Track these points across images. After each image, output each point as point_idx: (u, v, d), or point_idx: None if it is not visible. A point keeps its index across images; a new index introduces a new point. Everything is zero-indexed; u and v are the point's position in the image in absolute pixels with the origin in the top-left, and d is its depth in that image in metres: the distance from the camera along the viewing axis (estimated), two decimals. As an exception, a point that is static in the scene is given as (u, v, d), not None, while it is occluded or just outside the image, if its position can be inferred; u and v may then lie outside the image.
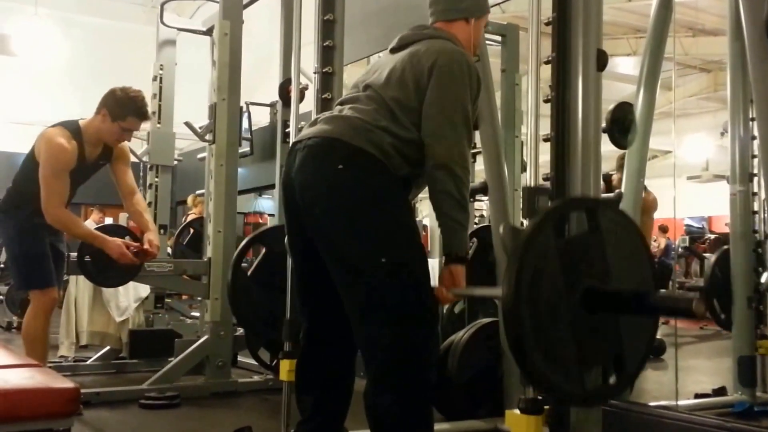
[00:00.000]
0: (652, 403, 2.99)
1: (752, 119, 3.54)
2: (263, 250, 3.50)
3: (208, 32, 5.28)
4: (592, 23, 1.96)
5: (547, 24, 2.02)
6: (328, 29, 3.19)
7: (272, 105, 5.27)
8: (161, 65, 5.65)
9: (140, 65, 5.81)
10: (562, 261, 1.81)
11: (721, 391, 3.61)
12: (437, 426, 2.94)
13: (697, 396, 3.61)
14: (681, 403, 3.17)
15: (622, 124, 2.70)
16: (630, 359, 1.92)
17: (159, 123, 5.56)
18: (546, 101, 2.36)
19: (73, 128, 3.59)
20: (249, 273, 3.47)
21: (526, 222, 2.28)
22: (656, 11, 3.64)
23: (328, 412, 2.39)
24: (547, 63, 2.03)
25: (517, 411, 1.86)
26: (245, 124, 5.40)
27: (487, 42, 2.63)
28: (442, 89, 2.20)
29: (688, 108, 12.56)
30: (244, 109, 5.23)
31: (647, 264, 1.98)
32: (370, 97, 2.28)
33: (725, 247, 3.74)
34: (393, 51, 2.38)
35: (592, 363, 1.88)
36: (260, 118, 6.14)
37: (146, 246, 3.72)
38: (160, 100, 5.57)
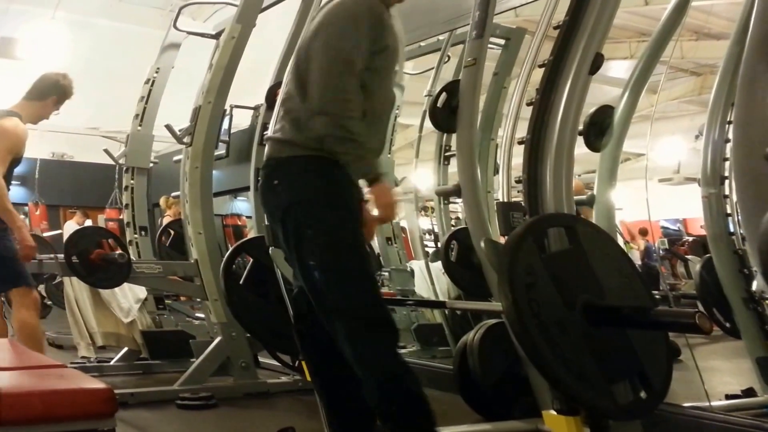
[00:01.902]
0: (685, 404, 2.98)
1: (729, 122, 3.49)
2: (251, 261, 3.48)
3: (216, 36, 5.19)
4: (601, 28, 1.97)
5: (555, 28, 2.03)
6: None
7: (256, 108, 5.25)
8: (158, 68, 5.56)
9: (143, 69, 5.72)
10: (551, 275, 1.83)
11: (750, 392, 3.51)
12: (478, 427, 2.97)
13: (727, 397, 3.53)
14: (714, 404, 3.10)
15: (600, 127, 2.72)
16: (654, 373, 1.93)
17: (140, 126, 5.49)
18: (529, 104, 2.37)
19: (17, 114, 3.64)
20: (241, 282, 3.45)
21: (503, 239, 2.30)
22: (669, 14, 3.50)
23: (349, 398, 2.38)
24: (541, 66, 2.04)
25: (553, 411, 1.85)
26: (225, 126, 5.37)
27: (489, 46, 2.58)
28: (323, 45, 2.25)
29: (668, 111, 12.55)
30: (227, 111, 5.21)
31: (637, 279, 2.00)
32: (291, 87, 2.36)
33: (708, 255, 3.70)
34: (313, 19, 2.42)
35: (616, 376, 1.88)
36: (240, 120, 6.12)
37: None
38: (146, 103, 5.49)
